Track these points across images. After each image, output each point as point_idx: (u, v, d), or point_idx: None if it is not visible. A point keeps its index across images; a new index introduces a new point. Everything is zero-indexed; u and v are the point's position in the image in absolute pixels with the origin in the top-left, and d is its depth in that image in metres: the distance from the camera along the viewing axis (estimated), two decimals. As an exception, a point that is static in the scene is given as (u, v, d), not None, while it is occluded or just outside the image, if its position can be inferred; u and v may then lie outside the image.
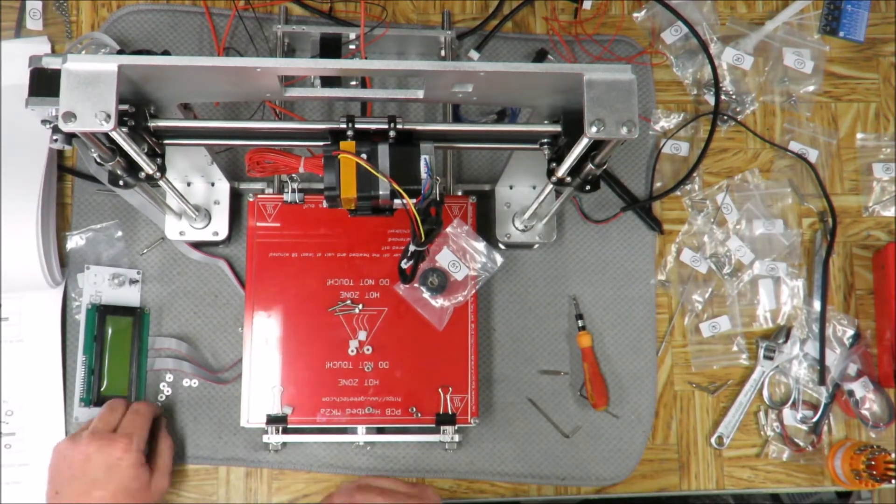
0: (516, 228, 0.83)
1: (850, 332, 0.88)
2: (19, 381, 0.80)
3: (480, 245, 0.80)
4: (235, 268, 0.84)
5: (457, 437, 0.78)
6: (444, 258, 0.80)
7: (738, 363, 0.87)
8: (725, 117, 0.91)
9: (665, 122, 0.91)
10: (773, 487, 0.86)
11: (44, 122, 0.57)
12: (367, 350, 0.78)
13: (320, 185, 0.81)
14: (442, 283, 0.78)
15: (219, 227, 0.81)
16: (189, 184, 0.81)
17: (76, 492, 0.69)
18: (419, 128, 0.61)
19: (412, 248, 0.62)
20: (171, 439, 0.78)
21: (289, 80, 0.60)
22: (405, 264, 0.66)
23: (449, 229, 0.80)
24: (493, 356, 0.84)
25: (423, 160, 0.59)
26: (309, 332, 0.78)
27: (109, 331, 0.80)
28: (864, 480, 0.81)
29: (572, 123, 0.61)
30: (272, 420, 0.76)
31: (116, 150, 0.58)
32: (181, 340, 0.82)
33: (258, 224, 0.80)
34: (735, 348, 0.87)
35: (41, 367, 0.80)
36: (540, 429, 0.83)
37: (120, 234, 0.83)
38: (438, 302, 0.79)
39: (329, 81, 0.69)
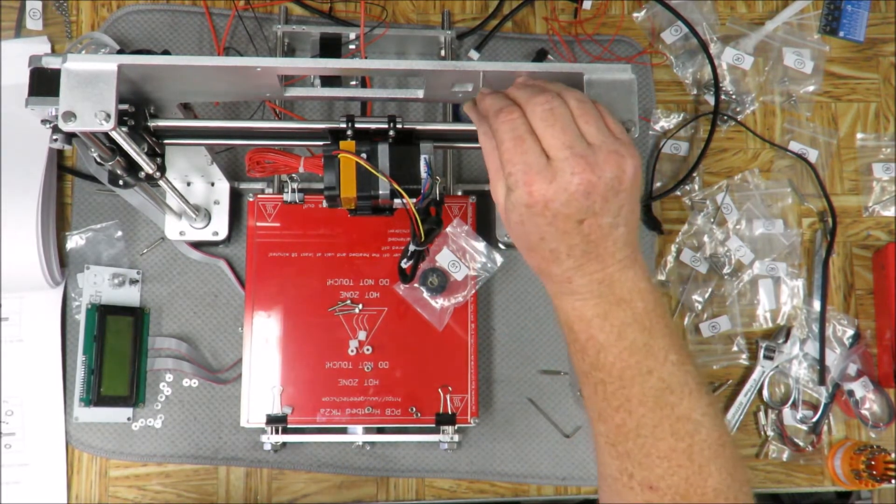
0: (516, 228, 0.83)
1: (850, 332, 0.88)
2: (19, 381, 0.80)
3: (480, 245, 0.80)
4: (235, 268, 0.84)
5: (457, 437, 0.78)
6: (444, 258, 0.80)
7: (738, 363, 0.87)
8: (725, 117, 0.91)
9: (665, 122, 0.91)
10: (773, 487, 0.86)
11: (44, 121, 0.57)
12: (367, 350, 0.78)
13: (320, 185, 0.81)
14: (442, 283, 0.78)
15: (219, 227, 0.81)
16: (189, 184, 0.81)
17: None
18: (419, 127, 0.61)
19: (412, 247, 0.62)
20: None
21: (289, 80, 0.60)
22: (405, 264, 0.66)
23: (449, 229, 0.80)
24: (493, 356, 0.84)
25: (423, 160, 0.59)
26: (309, 332, 0.78)
27: (109, 331, 0.79)
28: (863, 480, 0.81)
29: (572, 123, 0.61)
30: (272, 420, 0.76)
31: (116, 149, 0.58)
32: (181, 340, 0.82)
33: (258, 224, 0.79)
34: (735, 348, 0.87)
35: (41, 367, 0.80)
36: (540, 429, 0.83)
37: (120, 234, 0.83)
38: (438, 302, 0.79)
39: (329, 81, 0.69)
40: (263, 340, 0.78)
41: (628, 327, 0.49)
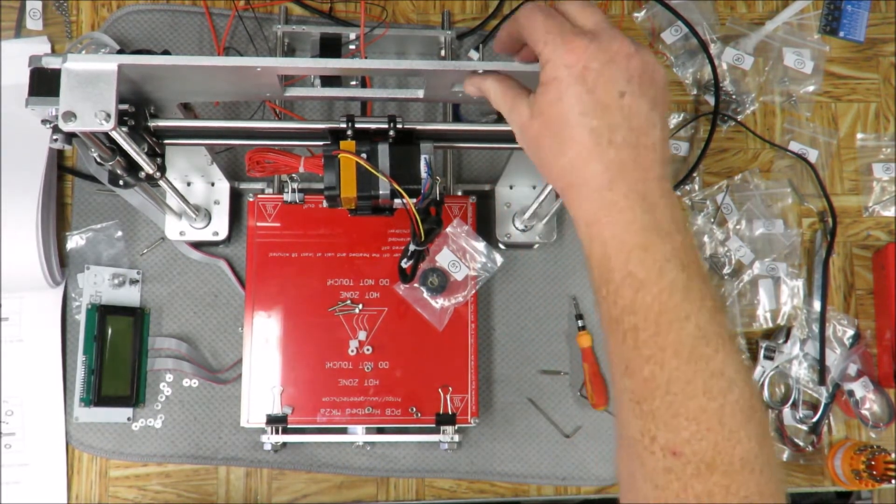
0: (516, 228, 0.83)
1: (850, 332, 0.88)
2: (19, 381, 0.80)
3: (480, 245, 0.80)
4: (235, 268, 0.84)
5: (457, 437, 0.78)
6: (444, 258, 0.79)
7: (738, 363, 0.87)
8: (725, 117, 0.91)
9: (665, 122, 0.91)
10: (774, 487, 0.86)
11: (44, 121, 0.57)
12: (367, 350, 0.78)
13: (320, 185, 0.81)
14: (442, 283, 0.78)
15: (219, 227, 0.81)
16: (189, 184, 0.81)
17: None
18: (419, 127, 0.61)
19: (412, 247, 0.62)
20: None
21: (289, 80, 0.60)
22: (405, 264, 0.66)
23: (449, 229, 0.80)
24: (493, 356, 0.84)
25: (423, 160, 0.59)
26: (309, 332, 0.78)
27: (109, 331, 0.79)
28: (864, 480, 0.81)
29: (572, 123, 0.61)
30: (272, 420, 0.76)
31: (116, 149, 0.58)
32: (181, 340, 0.82)
33: (258, 224, 0.79)
34: (735, 348, 0.87)
35: (41, 367, 0.80)
36: (540, 429, 0.83)
37: (120, 234, 0.83)
38: (438, 302, 0.79)
39: (329, 81, 0.69)
40: (263, 340, 0.78)
41: (669, 263, 0.44)
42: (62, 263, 0.83)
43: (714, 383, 0.43)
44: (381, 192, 0.58)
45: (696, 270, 0.44)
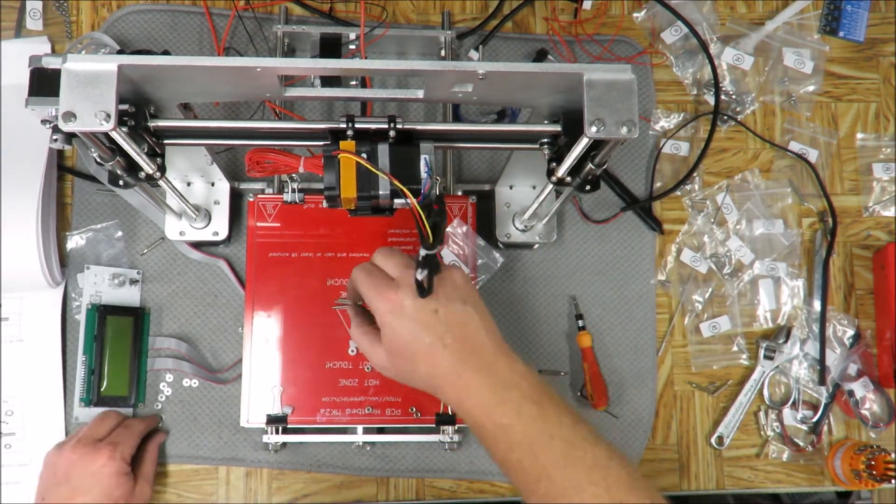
0: (516, 228, 0.83)
1: (850, 332, 0.88)
2: (19, 381, 0.80)
3: (480, 245, 0.80)
4: (235, 268, 0.84)
5: (457, 437, 0.78)
6: (444, 258, 0.79)
7: (738, 363, 0.87)
8: (725, 117, 0.91)
9: (665, 122, 0.91)
10: (773, 487, 0.86)
11: (44, 122, 0.57)
12: (367, 350, 0.78)
13: (320, 185, 0.81)
14: (442, 283, 0.78)
15: (219, 227, 0.81)
16: (189, 184, 0.81)
17: (60, 497, 0.71)
18: (419, 127, 0.61)
19: (423, 252, 0.61)
20: (157, 450, 0.79)
21: (289, 80, 0.60)
22: (420, 276, 0.64)
23: (449, 229, 0.80)
24: (493, 356, 0.84)
25: (423, 160, 0.59)
26: (309, 332, 0.78)
27: (109, 331, 0.79)
28: (863, 480, 0.81)
29: (572, 123, 0.61)
30: (272, 420, 0.76)
31: (116, 149, 0.58)
32: (181, 340, 0.82)
33: (258, 224, 0.80)
34: (735, 348, 0.87)
35: (41, 367, 0.80)
36: (540, 429, 0.83)
37: (120, 234, 0.84)
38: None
39: (329, 81, 0.69)
40: (263, 340, 0.78)
41: (521, 405, 0.56)
42: (62, 263, 0.83)
43: (594, 473, 0.54)
44: (381, 192, 0.58)
45: (548, 400, 0.57)
